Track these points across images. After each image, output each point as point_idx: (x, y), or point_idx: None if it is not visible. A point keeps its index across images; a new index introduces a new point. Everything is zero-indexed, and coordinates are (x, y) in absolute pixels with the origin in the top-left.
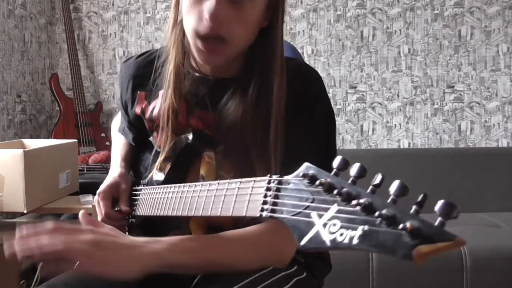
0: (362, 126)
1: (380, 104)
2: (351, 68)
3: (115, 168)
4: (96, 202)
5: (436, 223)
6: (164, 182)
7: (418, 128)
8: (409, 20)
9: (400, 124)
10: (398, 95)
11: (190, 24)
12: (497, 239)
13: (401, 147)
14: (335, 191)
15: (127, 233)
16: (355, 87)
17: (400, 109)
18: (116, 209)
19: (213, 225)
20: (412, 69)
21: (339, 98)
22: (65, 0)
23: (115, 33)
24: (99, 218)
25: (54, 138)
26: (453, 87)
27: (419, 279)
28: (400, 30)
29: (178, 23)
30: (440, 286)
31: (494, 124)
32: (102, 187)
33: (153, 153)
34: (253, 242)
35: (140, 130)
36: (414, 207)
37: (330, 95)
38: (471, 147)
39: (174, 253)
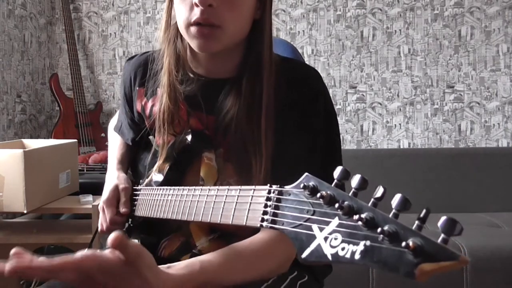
0: (362, 126)
1: (380, 104)
2: (351, 68)
3: (113, 173)
4: (100, 211)
5: (439, 240)
6: (163, 183)
7: (418, 128)
8: (409, 20)
9: (400, 124)
10: (398, 95)
11: (182, 14)
12: (497, 239)
13: (401, 147)
14: (336, 205)
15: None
16: (355, 87)
17: (400, 109)
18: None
19: (214, 226)
20: (412, 69)
21: (339, 98)
22: (65, 0)
23: (115, 33)
24: (104, 226)
25: (54, 138)
26: (453, 87)
27: None
28: (400, 30)
29: (170, 26)
30: (440, 286)
31: (494, 124)
32: (104, 195)
33: (151, 153)
34: (258, 257)
35: (140, 129)
36: (416, 222)
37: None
38: (471, 147)
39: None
